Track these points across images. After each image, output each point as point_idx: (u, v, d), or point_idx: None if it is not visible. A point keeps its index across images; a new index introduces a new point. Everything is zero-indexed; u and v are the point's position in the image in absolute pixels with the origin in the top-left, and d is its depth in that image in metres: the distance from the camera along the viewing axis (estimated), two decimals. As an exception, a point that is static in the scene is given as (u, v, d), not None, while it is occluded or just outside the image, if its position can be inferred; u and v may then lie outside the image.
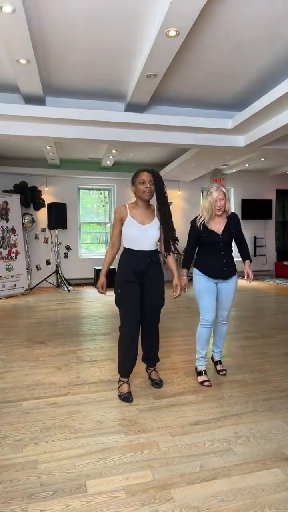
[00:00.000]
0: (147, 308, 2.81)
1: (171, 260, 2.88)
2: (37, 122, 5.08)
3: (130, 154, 7.78)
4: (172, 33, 3.25)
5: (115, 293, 2.79)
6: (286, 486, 1.81)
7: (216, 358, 3.32)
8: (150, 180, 2.72)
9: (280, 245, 10.85)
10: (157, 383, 2.94)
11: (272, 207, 10.46)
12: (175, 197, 9.63)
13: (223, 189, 2.94)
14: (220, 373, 3.22)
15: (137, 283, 2.75)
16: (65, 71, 4.30)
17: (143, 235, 2.73)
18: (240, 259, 3.17)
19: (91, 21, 3.33)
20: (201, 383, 3.00)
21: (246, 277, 3.09)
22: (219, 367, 3.27)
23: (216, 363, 3.31)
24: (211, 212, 2.94)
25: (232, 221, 3.04)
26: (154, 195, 2.77)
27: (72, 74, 4.39)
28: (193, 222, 3.08)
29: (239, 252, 3.18)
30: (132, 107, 5.03)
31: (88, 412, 2.58)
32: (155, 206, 2.82)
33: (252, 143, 5.75)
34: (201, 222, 2.99)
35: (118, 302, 2.79)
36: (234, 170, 9.20)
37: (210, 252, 3.01)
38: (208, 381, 3.01)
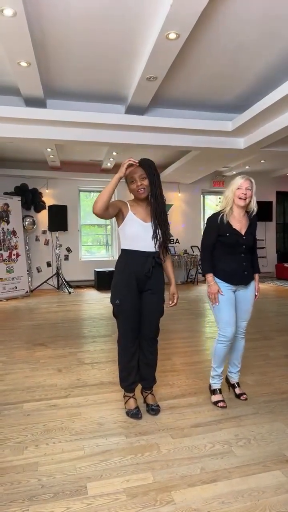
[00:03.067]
0: (145, 317, 2.49)
1: (168, 264, 2.60)
2: (38, 125, 5.10)
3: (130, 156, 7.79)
4: (172, 35, 3.26)
5: (111, 303, 2.49)
6: (286, 488, 1.81)
7: (234, 380, 2.84)
8: (140, 175, 2.39)
9: (280, 247, 10.86)
10: (153, 409, 2.56)
11: (272, 209, 10.47)
12: (176, 199, 9.64)
13: (252, 180, 2.57)
14: (241, 397, 2.75)
15: (137, 290, 2.46)
16: (66, 73, 4.32)
17: (145, 234, 2.42)
18: None
19: (91, 24, 3.34)
20: (215, 403, 2.67)
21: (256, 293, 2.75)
22: (238, 390, 2.80)
23: (233, 385, 2.84)
24: (230, 200, 2.57)
25: (254, 224, 2.67)
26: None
27: (73, 77, 4.41)
28: (212, 218, 2.66)
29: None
30: (132, 110, 5.05)
31: (89, 414, 2.57)
32: None
33: (252, 145, 5.76)
34: (221, 216, 2.59)
35: (116, 313, 2.50)
36: (234, 172, 9.21)
37: (229, 254, 2.62)
38: (223, 401, 2.67)
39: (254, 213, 2.66)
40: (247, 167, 8.69)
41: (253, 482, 1.85)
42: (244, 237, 2.59)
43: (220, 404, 2.65)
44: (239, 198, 2.54)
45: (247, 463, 2.01)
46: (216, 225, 2.60)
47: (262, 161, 8.05)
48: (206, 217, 10.48)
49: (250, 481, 1.86)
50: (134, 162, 2.34)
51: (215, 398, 2.70)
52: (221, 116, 5.52)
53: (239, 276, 2.62)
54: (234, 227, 2.59)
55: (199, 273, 9.56)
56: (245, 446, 2.17)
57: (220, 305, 2.61)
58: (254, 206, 2.63)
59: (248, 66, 4.19)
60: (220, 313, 2.63)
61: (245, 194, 2.53)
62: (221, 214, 2.61)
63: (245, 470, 1.95)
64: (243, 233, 2.60)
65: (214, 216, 2.65)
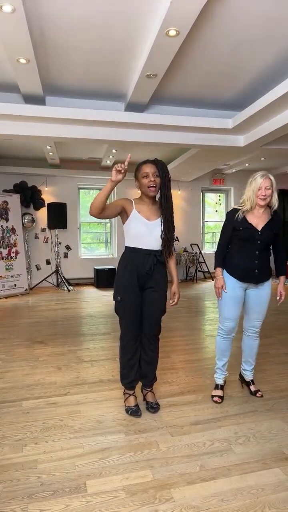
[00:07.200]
0: (147, 315, 2.53)
1: (172, 264, 2.63)
2: (37, 122, 5.08)
3: (130, 153, 7.77)
4: (172, 32, 3.24)
5: (114, 299, 2.53)
6: (286, 486, 1.81)
7: (248, 378, 2.87)
8: (154, 173, 2.44)
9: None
10: (153, 407, 2.58)
11: (272, 207, 10.44)
12: (175, 197, 9.59)
13: (271, 177, 2.53)
14: (257, 394, 2.78)
15: (139, 287, 2.49)
16: (65, 70, 4.30)
17: (149, 233, 2.45)
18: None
19: (91, 20, 3.32)
20: (211, 397, 2.74)
21: (278, 296, 2.74)
22: (252, 387, 2.83)
23: (248, 383, 2.88)
24: (252, 201, 2.54)
25: (275, 220, 2.63)
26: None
27: (72, 74, 4.39)
28: (229, 213, 2.67)
29: (274, 261, 2.82)
30: (132, 107, 5.03)
31: (88, 412, 2.58)
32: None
33: (252, 143, 5.74)
34: (239, 213, 2.60)
35: (118, 309, 2.54)
36: (234, 170, 9.19)
37: (243, 249, 2.62)
38: (218, 396, 2.72)
39: (275, 207, 2.62)
40: (247, 164, 8.68)
41: (252, 479, 1.86)
42: (259, 232, 2.57)
43: (215, 399, 2.71)
44: (260, 199, 2.53)
45: (246, 460, 2.01)
46: (232, 219, 2.63)
47: (262, 159, 8.03)
48: (206, 215, 10.50)
49: (249, 479, 1.86)
50: (121, 168, 2.28)
51: (213, 392, 2.78)
52: (221, 113, 5.50)
53: (249, 274, 2.62)
54: (249, 221, 2.58)
55: (199, 270, 9.57)
56: (244, 444, 2.17)
57: (224, 300, 2.67)
58: (275, 201, 2.60)
59: (248, 64, 4.17)
60: (222, 308, 2.70)
61: (265, 194, 2.51)
62: (239, 210, 2.62)
63: (244, 468, 1.95)
64: (259, 228, 2.58)
65: (232, 211, 2.67)
